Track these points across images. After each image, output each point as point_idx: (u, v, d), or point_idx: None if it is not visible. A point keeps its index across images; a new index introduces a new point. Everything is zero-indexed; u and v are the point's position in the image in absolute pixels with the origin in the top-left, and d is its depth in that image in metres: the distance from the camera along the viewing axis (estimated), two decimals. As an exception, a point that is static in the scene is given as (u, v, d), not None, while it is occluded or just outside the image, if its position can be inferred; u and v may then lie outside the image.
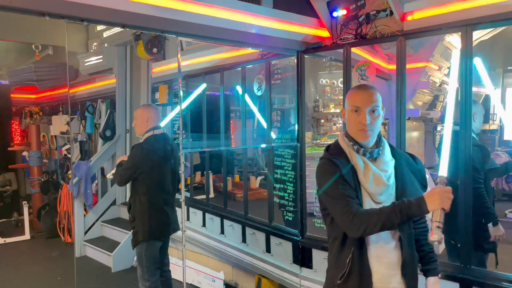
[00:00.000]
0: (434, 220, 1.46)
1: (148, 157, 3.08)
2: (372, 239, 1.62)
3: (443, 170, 1.65)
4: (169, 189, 3.24)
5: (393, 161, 1.69)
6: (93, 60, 5.89)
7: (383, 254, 1.63)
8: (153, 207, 3.11)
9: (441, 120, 5.88)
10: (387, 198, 1.64)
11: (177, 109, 4.71)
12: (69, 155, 6.76)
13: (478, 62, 2.68)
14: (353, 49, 3.06)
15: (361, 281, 1.62)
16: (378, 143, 1.69)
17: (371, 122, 1.62)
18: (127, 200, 3.26)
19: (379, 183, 1.62)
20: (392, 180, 1.66)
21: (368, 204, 1.63)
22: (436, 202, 1.43)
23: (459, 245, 2.56)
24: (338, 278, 1.65)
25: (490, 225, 2.67)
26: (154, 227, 3.12)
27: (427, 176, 1.88)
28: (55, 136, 7.33)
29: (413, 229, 1.74)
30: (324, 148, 1.79)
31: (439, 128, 5.65)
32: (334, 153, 1.69)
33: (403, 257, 1.63)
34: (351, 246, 1.62)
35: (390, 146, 1.75)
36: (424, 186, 1.76)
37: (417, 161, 1.79)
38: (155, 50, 4.46)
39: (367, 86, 1.73)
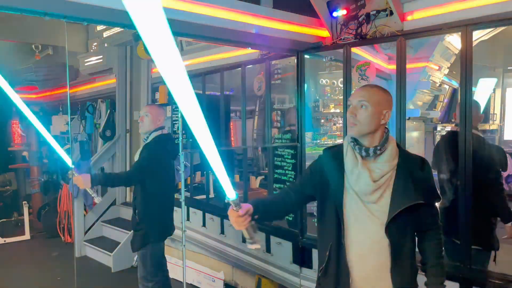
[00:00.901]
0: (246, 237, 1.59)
1: (161, 156, 3.06)
2: (355, 237, 1.63)
3: (230, 193, 1.49)
4: (173, 189, 3.25)
5: (393, 163, 1.65)
6: (93, 60, 5.89)
7: (368, 255, 1.62)
8: (162, 207, 3.10)
9: (441, 120, 5.89)
10: (378, 199, 1.62)
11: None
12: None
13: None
14: (353, 49, 3.06)
15: (338, 277, 1.63)
16: (382, 142, 1.67)
17: (356, 116, 1.63)
18: (127, 200, 3.24)
19: (363, 183, 1.62)
20: (384, 181, 1.62)
21: (354, 202, 1.64)
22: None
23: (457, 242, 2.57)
24: (319, 270, 1.71)
25: (508, 224, 2.70)
26: (163, 228, 3.11)
27: None
28: (55, 136, 7.33)
29: (422, 240, 1.75)
30: (324, 148, 1.83)
31: (439, 128, 5.66)
32: (330, 149, 1.79)
33: (391, 262, 1.62)
34: (329, 241, 1.67)
35: (400, 148, 1.72)
36: (430, 193, 1.70)
37: (425, 168, 1.70)
38: (155, 50, 4.45)
39: (369, 85, 1.74)
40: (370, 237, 1.62)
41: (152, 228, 3.05)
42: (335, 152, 1.73)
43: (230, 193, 1.46)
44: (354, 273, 1.63)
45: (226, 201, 1.49)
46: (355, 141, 1.68)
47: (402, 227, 1.63)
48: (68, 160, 2.92)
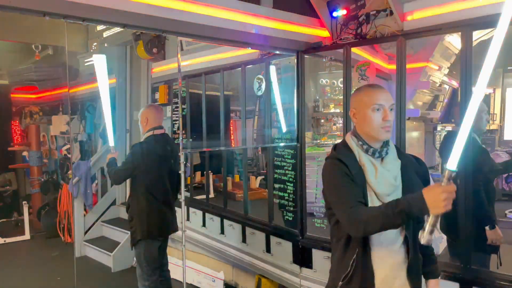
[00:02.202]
0: (429, 223, 1.34)
1: (146, 157, 3.10)
2: (377, 240, 1.61)
3: (453, 163, 1.34)
4: (168, 189, 3.24)
5: (399, 161, 1.68)
6: (93, 60, 5.88)
7: (388, 255, 1.62)
8: (151, 206, 3.12)
9: (441, 120, 5.89)
10: (394, 198, 1.63)
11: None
12: (69, 155, 6.76)
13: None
14: (353, 49, 3.06)
15: (363, 283, 1.61)
16: (385, 143, 1.68)
17: (389, 120, 1.63)
18: (127, 200, 3.28)
19: (386, 184, 1.62)
20: (399, 180, 1.65)
21: (375, 204, 1.62)
22: (441, 205, 1.30)
23: (458, 243, 2.56)
24: (340, 279, 1.65)
25: (487, 228, 2.66)
26: (152, 227, 3.13)
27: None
28: (55, 136, 7.34)
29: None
30: (324, 148, 1.80)
31: (439, 128, 5.66)
32: (342, 152, 1.69)
33: (410, 258, 1.62)
34: (356, 247, 1.62)
35: (395, 146, 1.75)
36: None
37: (421, 163, 1.77)
38: (155, 50, 4.46)
39: (379, 85, 1.73)
40: (389, 238, 1.62)
41: (140, 227, 3.11)
42: (348, 155, 1.68)
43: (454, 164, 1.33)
44: (376, 275, 1.61)
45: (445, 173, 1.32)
46: (365, 143, 1.66)
47: (414, 223, 1.64)
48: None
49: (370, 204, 1.61)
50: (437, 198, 1.31)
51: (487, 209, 2.67)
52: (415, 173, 1.70)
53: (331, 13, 3.16)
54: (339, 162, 1.63)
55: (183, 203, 3.08)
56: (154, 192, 3.14)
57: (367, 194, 1.61)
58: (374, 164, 1.64)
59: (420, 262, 1.71)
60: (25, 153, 7.63)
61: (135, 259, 3.61)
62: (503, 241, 2.70)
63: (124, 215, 5.66)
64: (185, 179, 4.74)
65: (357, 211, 1.51)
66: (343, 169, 1.61)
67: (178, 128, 4.64)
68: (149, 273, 3.15)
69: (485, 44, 4.65)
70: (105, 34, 5.76)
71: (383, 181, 1.61)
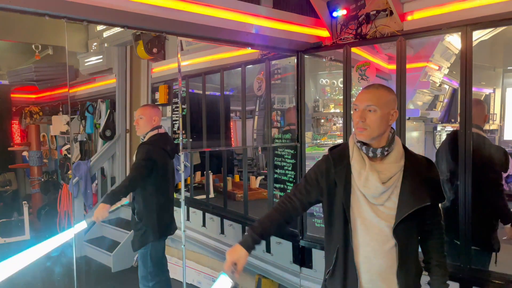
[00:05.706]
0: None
1: (156, 155, 3.06)
2: (362, 240, 1.62)
3: None
4: (172, 188, 3.25)
5: (400, 164, 1.64)
6: (93, 60, 5.88)
7: (374, 256, 1.62)
8: (160, 206, 3.10)
9: (441, 120, 5.89)
10: (386, 201, 1.62)
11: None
12: (69, 155, 6.77)
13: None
14: (353, 49, 3.06)
15: (345, 279, 1.63)
16: (389, 143, 1.66)
17: (366, 120, 1.61)
18: (130, 200, 3.22)
19: (372, 184, 1.60)
20: (392, 182, 1.61)
21: (362, 204, 1.63)
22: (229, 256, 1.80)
23: (460, 243, 2.57)
24: (326, 273, 1.72)
25: (508, 225, 2.69)
26: (162, 226, 3.12)
27: None
28: (55, 136, 7.34)
29: (426, 239, 1.74)
30: (324, 148, 1.82)
31: (439, 128, 5.66)
32: (336, 150, 1.75)
33: (398, 263, 1.62)
34: (337, 244, 1.67)
35: (406, 149, 1.71)
36: (437, 194, 1.68)
37: (432, 169, 1.70)
38: (155, 50, 4.45)
39: (374, 86, 1.69)
40: (377, 239, 1.61)
41: (151, 228, 3.06)
42: (341, 153, 1.71)
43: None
44: (361, 275, 1.62)
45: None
46: (359, 141, 1.67)
47: (409, 228, 1.63)
48: None
49: (356, 204, 1.63)
50: (235, 250, 1.83)
51: (509, 208, 2.69)
52: (420, 178, 1.64)
53: (331, 13, 3.16)
54: (326, 158, 1.75)
55: (183, 203, 3.08)
56: (162, 192, 3.13)
57: (349, 192, 1.64)
58: (363, 162, 1.63)
59: (416, 270, 1.69)
60: (25, 153, 7.63)
61: (136, 259, 3.61)
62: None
63: (124, 215, 5.66)
64: (185, 179, 4.74)
65: (282, 201, 1.81)
66: (322, 166, 1.74)
67: (178, 128, 4.63)
68: (154, 273, 3.12)
69: (485, 44, 4.67)
70: (105, 34, 5.75)
71: (368, 182, 1.61)
